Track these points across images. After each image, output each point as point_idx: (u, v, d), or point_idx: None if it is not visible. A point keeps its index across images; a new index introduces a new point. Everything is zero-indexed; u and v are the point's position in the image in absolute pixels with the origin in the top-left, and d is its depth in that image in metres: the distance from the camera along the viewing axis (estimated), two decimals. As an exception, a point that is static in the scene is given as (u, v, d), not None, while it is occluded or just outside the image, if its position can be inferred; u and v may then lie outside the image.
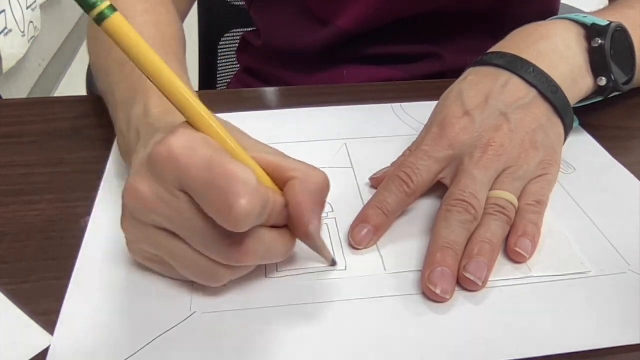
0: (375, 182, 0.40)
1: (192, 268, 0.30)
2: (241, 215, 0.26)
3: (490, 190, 0.36)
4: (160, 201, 0.28)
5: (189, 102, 0.28)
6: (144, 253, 0.32)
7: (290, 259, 0.34)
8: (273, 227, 0.30)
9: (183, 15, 0.60)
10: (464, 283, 0.33)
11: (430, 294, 0.32)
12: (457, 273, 0.33)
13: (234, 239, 0.28)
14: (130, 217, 0.30)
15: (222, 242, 0.28)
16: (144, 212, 0.29)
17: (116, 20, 0.26)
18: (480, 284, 0.32)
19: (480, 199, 0.35)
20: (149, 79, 0.28)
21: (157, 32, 0.45)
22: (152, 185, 0.28)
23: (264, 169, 0.30)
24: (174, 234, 0.29)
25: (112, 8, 0.26)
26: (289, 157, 0.31)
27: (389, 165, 0.41)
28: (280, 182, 0.30)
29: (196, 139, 0.28)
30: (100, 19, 0.26)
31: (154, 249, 0.31)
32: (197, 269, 0.30)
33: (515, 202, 0.36)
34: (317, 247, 0.33)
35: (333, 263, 0.34)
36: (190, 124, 0.29)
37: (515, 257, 0.35)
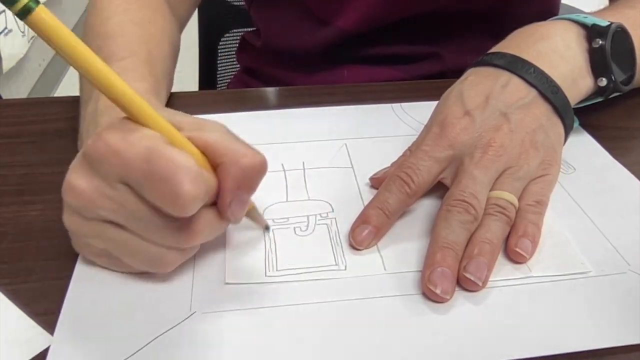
0: (376, 182, 0.40)
1: (141, 256, 0.30)
2: (188, 201, 0.27)
3: (490, 190, 0.36)
4: (102, 195, 0.29)
5: (121, 93, 0.28)
6: (91, 248, 0.32)
7: (290, 259, 0.34)
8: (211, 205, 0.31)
9: (184, 20, 0.60)
10: (464, 283, 0.33)
11: (430, 294, 0.32)
12: (457, 273, 0.33)
13: (182, 222, 0.29)
14: (73, 214, 0.30)
15: (170, 227, 0.29)
16: (86, 208, 0.29)
17: (40, 14, 0.26)
18: (480, 284, 0.32)
19: (480, 199, 0.35)
20: (80, 72, 0.28)
21: (133, 29, 0.45)
22: (91, 180, 0.29)
23: (200, 150, 0.30)
24: (119, 225, 0.29)
25: (36, 1, 0.26)
26: (227, 136, 0.30)
27: (389, 165, 0.41)
28: (213, 163, 0.30)
29: (132, 130, 0.28)
30: (23, 13, 0.25)
31: (100, 243, 0.31)
32: (146, 257, 0.30)
33: (516, 202, 0.36)
34: (251, 214, 0.35)
35: (267, 228, 0.36)
36: (128, 115, 0.29)
37: (515, 258, 0.35)
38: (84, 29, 0.49)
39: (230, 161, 0.29)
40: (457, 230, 0.34)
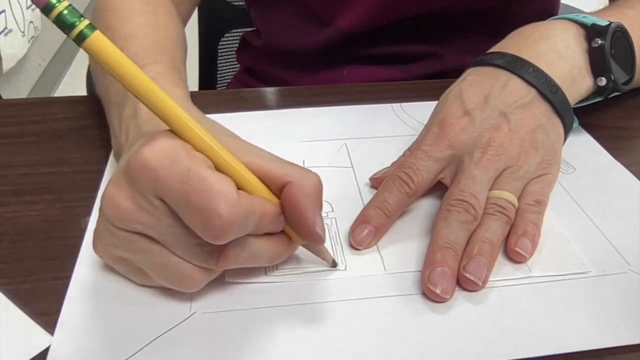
0: (375, 182, 0.40)
1: (168, 272, 0.30)
2: (220, 229, 0.26)
3: (490, 190, 0.36)
4: (140, 209, 0.28)
5: (171, 112, 0.28)
6: (113, 256, 0.31)
7: (290, 259, 0.34)
8: (267, 234, 0.30)
9: (185, 18, 0.60)
10: (464, 283, 0.33)
11: (430, 294, 0.32)
12: (457, 273, 0.33)
13: (216, 246, 0.28)
14: (107, 224, 0.30)
15: (203, 247, 0.28)
16: (123, 221, 0.29)
17: (96, 39, 0.26)
18: (480, 283, 0.32)
19: (480, 199, 0.35)
20: (132, 92, 0.27)
21: (154, 32, 0.45)
22: (130, 193, 0.28)
23: (256, 175, 0.29)
24: (152, 239, 0.29)
25: (92, 27, 0.26)
26: (281, 160, 0.30)
27: (389, 165, 0.41)
28: (274, 187, 0.30)
29: (175, 148, 0.27)
30: (80, 39, 0.26)
31: (129, 254, 0.30)
32: (173, 273, 0.30)
33: (515, 202, 0.36)
34: (319, 249, 0.33)
35: (334, 264, 0.34)
36: (175, 132, 0.28)
37: (515, 257, 0.35)
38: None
39: (299, 180, 0.29)
40: (457, 230, 0.34)
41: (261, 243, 0.30)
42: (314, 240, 0.30)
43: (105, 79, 0.43)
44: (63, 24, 0.26)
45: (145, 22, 0.46)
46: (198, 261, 0.29)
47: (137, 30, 0.44)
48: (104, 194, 0.29)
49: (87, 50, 0.26)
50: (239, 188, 0.28)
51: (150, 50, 0.42)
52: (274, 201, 0.30)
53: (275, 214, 0.29)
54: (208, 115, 0.34)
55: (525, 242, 0.34)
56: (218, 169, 0.28)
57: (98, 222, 0.30)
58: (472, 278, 0.32)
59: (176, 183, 0.26)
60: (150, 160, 0.27)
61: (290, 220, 0.30)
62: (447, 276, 0.32)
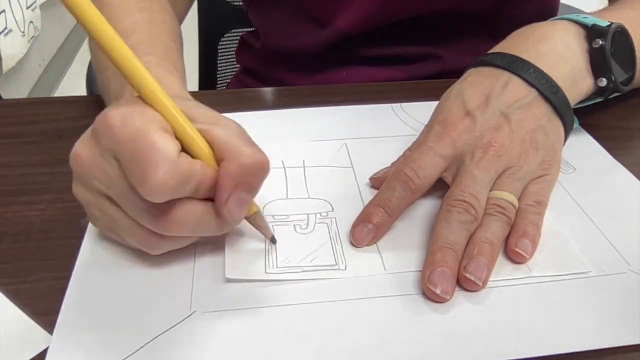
0: (376, 182, 0.40)
1: (130, 234, 0.31)
2: (155, 186, 0.27)
3: (490, 190, 0.36)
4: (97, 166, 0.30)
5: (136, 74, 0.29)
6: (98, 220, 0.33)
7: (290, 257, 0.34)
8: (209, 200, 0.31)
9: (181, 16, 0.60)
10: (464, 283, 0.33)
11: (430, 294, 0.32)
12: (457, 273, 0.33)
13: (161, 209, 0.29)
14: (77, 182, 0.32)
15: (150, 211, 0.29)
16: (84, 177, 0.31)
17: None
18: (480, 284, 0.32)
19: (480, 199, 0.35)
20: (102, 49, 0.29)
21: (151, 28, 0.45)
22: (92, 150, 0.30)
23: (208, 143, 0.30)
24: (112, 200, 0.31)
25: None
26: (234, 134, 0.31)
27: (389, 165, 0.41)
28: (218, 159, 0.31)
29: (133, 110, 0.29)
30: None
31: (100, 214, 0.32)
32: (134, 236, 0.31)
33: (516, 202, 0.36)
34: (257, 224, 0.34)
35: (273, 240, 0.35)
36: (141, 96, 0.30)
37: (515, 258, 0.35)
38: None
39: (231, 158, 0.30)
40: (457, 230, 0.34)
41: (206, 209, 0.31)
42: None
43: (107, 73, 0.43)
44: None
45: (142, 19, 0.46)
46: (146, 224, 0.30)
47: (135, 26, 0.45)
48: (71, 152, 0.31)
49: (64, 3, 0.27)
50: (187, 151, 0.30)
51: (147, 43, 0.43)
52: (215, 168, 0.31)
53: (212, 180, 0.30)
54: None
55: (526, 242, 0.34)
56: (173, 131, 0.30)
57: (72, 183, 0.32)
58: (472, 278, 0.32)
59: (127, 141, 0.28)
60: (109, 118, 0.29)
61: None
62: (447, 276, 0.32)
